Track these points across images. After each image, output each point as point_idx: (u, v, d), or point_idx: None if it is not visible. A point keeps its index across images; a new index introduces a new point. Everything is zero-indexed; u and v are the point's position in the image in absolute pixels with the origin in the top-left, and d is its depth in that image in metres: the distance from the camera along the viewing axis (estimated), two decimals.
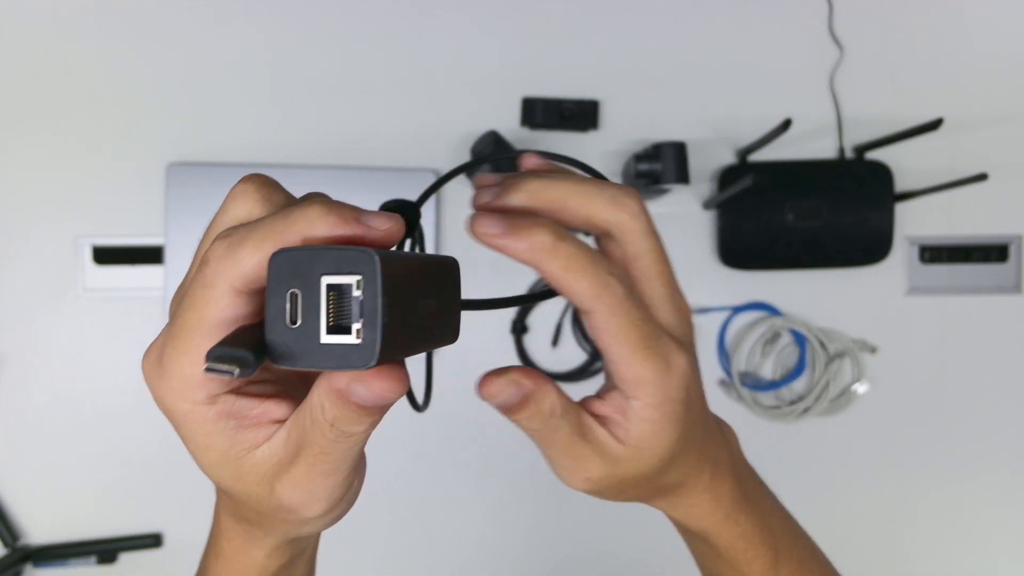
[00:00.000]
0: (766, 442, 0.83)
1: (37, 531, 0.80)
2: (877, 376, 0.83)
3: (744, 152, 0.80)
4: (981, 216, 0.84)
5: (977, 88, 0.84)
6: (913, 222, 0.83)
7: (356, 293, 0.20)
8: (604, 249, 0.28)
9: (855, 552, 0.83)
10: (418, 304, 0.22)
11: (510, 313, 0.82)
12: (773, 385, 0.84)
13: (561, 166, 0.30)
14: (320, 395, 0.22)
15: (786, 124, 0.67)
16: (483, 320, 0.82)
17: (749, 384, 0.83)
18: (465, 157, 0.80)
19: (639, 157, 0.77)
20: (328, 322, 0.20)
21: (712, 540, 0.33)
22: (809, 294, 0.83)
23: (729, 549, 0.34)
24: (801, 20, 0.84)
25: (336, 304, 0.20)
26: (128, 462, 0.80)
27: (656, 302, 0.27)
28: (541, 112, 0.81)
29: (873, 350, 0.83)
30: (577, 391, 0.85)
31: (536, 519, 0.82)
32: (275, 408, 0.24)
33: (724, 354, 0.84)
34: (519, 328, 0.82)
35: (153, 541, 0.79)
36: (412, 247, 0.35)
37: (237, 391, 0.23)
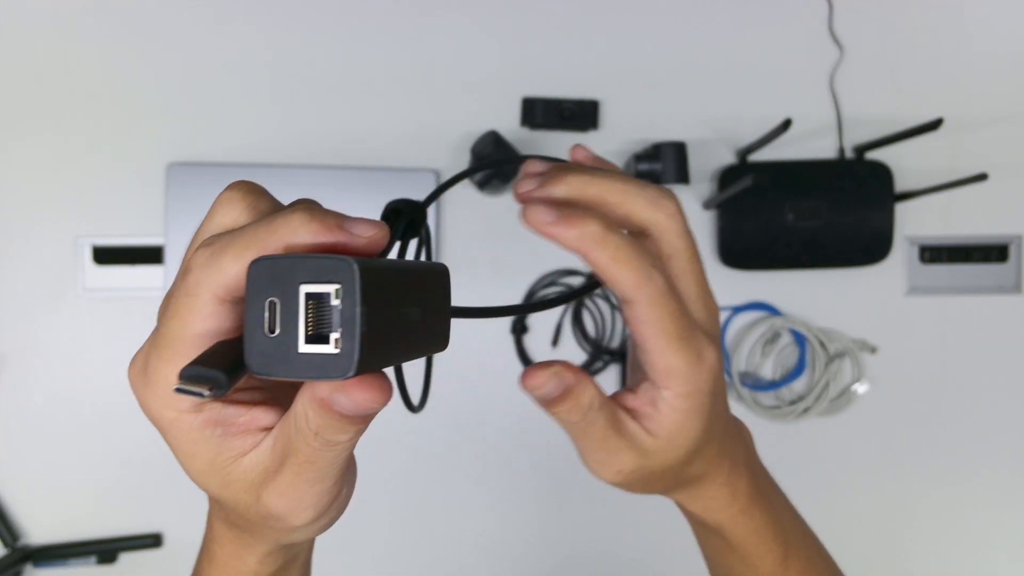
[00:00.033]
0: (766, 442, 0.82)
1: (37, 531, 0.80)
2: (877, 376, 0.83)
3: (744, 152, 0.80)
4: (981, 216, 0.84)
5: (977, 88, 0.84)
6: (913, 222, 0.83)
7: (335, 302, 0.19)
8: None
9: (855, 552, 0.83)
10: (402, 313, 0.22)
11: None
12: (773, 385, 0.84)
13: (608, 163, 0.31)
14: (303, 404, 0.22)
15: (786, 124, 0.67)
16: (483, 320, 0.82)
17: (749, 384, 0.83)
18: (465, 157, 0.80)
19: (639, 157, 0.77)
20: (307, 331, 0.20)
21: (726, 534, 0.34)
22: (809, 294, 0.83)
23: (743, 543, 0.34)
24: (801, 20, 0.84)
25: (315, 313, 0.20)
26: (128, 462, 0.80)
27: (689, 299, 0.28)
28: (541, 112, 0.81)
29: (873, 350, 0.83)
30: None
31: (536, 519, 0.82)
32: (262, 415, 0.24)
33: (724, 354, 0.84)
34: (519, 328, 0.82)
35: (153, 541, 0.79)
36: (418, 247, 0.34)
37: (224, 399, 0.23)
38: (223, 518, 0.28)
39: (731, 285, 0.83)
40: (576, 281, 0.82)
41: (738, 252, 0.81)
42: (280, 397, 0.25)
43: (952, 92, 0.84)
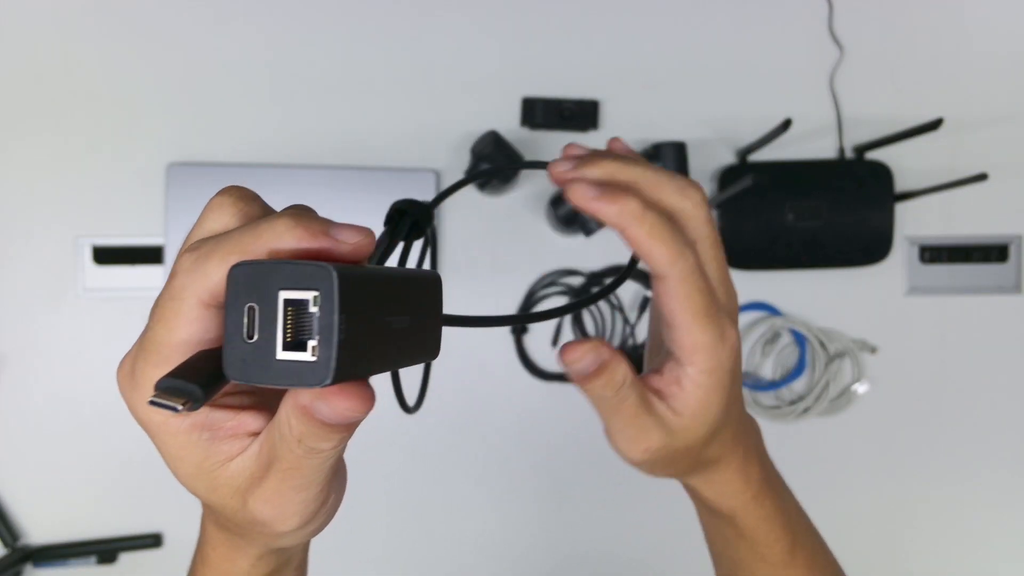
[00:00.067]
0: (766, 442, 0.83)
1: (37, 531, 0.80)
2: (877, 376, 0.83)
3: (744, 152, 0.80)
4: (981, 216, 0.84)
5: (977, 88, 0.84)
6: (913, 222, 0.83)
7: (313, 309, 0.19)
8: None
9: (855, 552, 0.83)
10: (387, 321, 0.21)
11: (510, 312, 0.82)
12: (773, 385, 0.84)
13: (640, 157, 0.32)
14: (286, 411, 0.21)
15: (786, 124, 0.67)
16: None
17: (749, 384, 0.83)
18: (465, 157, 0.80)
19: None
20: (285, 338, 0.20)
21: (738, 521, 0.35)
22: (809, 294, 0.83)
23: (753, 531, 0.35)
24: (801, 20, 0.84)
25: (294, 320, 0.20)
26: (128, 462, 0.80)
27: (713, 282, 0.29)
28: (541, 112, 0.81)
29: (873, 350, 0.83)
30: (578, 391, 0.85)
31: (536, 519, 0.82)
32: (250, 420, 0.24)
33: None
34: (519, 328, 0.82)
35: (153, 541, 0.79)
36: (423, 248, 0.34)
37: (212, 402, 0.23)
38: (214, 520, 0.28)
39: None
40: (576, 281, 0.82)
41: (738, 252, 0.81)
42: (269, 402, 0.25)
43: (952, 92, 0.84)
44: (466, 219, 0.81)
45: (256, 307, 0.20)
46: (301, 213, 0.22)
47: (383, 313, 0.21)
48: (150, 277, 0.80)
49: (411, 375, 0.33)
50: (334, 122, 0.81)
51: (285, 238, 0.21)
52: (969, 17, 0.84)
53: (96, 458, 0.80)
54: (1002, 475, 0.84)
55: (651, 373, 0.30)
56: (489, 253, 0.82)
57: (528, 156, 0.80)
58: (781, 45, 0.84)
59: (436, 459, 0.82)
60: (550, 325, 0.82)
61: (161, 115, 0.80)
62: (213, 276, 0.21)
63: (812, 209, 0.80)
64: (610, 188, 0.27)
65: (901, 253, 0.83)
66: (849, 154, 0.83)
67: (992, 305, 0.84)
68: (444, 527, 0.82)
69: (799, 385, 0.84)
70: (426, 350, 0.24)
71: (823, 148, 0.84)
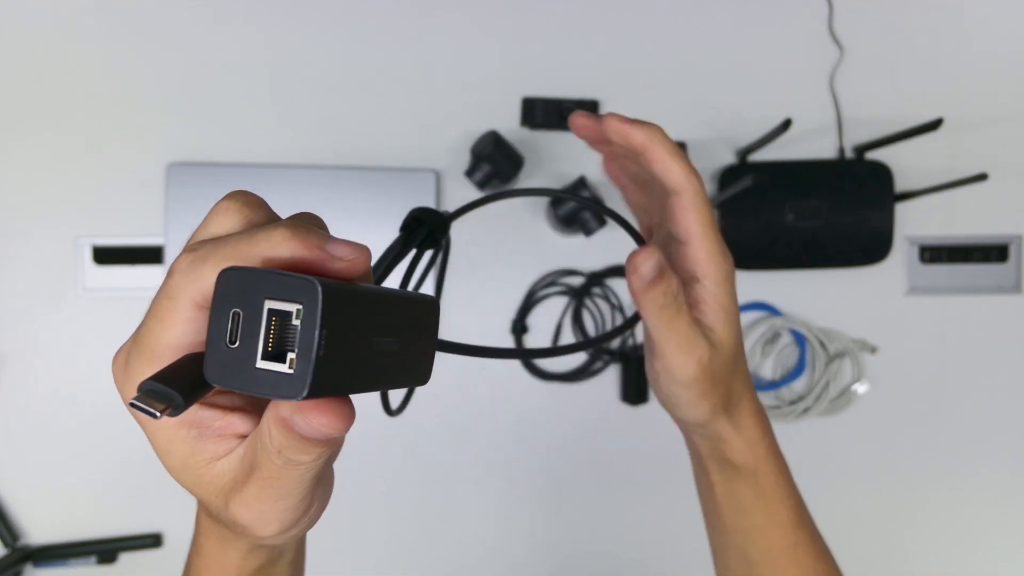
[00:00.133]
0: None
1: (37, 531, 0.80)
2: (877, 376, 0.83)
3: (744, 152, 0.80)
4: (981, 216, 0.84)
5: (977, 88, 0.84)
6: (913, 222, 0.83)
7: (296, 322, 0.19)
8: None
9: (855, 552, 0.83)
10: (373, 342, 0.21)
11: (510, 312, 0.82)
12: (773, 385, 0.84)
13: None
14: (268, 420, 0.21)
15: (786, 124, 0.67)
16: (483, 319, 0.82)
17: None
18: (465, 157, 0.80)
19: None
20: (266, 347, 0.20)
21: (760, 476, 0.38)
22: (809, 294, 0.83)
23: (771, 488, 0.38)
24: (801, 20, 0.84)
25: (278, 330, 0.20)
26: (128, 462, 0.80)
27: None
28: (541, 112, 0.81)
29: (873, 350, 0.83)
30: (578, 391, 0.86)
31: (536, 519, 0.82)
32: (238, 422, 0.24)
33: None
34: (519, 328, 0.82)
35: (153, 541, 0.79)
36: (432, 259, 0.34)
37: (202, 401, 0.23)
38: (206, 512, 0.28)
39: None
40: (576, 281, 0.82)
41: (738, 252, 0.80)
42: (259, 407, 0.25)
43: (952, 92, 0.84)
44: (466, 219, 0.80)
45: (241, 313, 0.20)
46: (300, 224, 0.22)
47: (370, 333, 0.21)
48: (150, 277, 0.80)
49: None
50: (334, 122, 0.81)
51: (280, 248, 0.21)
52: (969, 17, 0.84)
53: (96, 458, 0.80)
54: (1002, 475, 0.84)
55: None
56: (489, 253, 0.82)
57: (528, 156, 0.80)
58: (781, 45, 0.84)
59: (436, 459, 0.82)
60: (550, 325, 0.82)
61: (161, 115, 0.80)
62: (207, 279, 0.21)
63: (812, 209, 0.80)
64: (638, 119, 0.34)
65: (901, 253, 0.83)
66: (849, 154, 0.83)
67: (992, 305, 0.84)
68: (444, 527, 0.82)
69: (799, 385, 0.84)
70: (414, 375, 0.24)
71: (823, 148, 0.84)
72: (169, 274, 0.22)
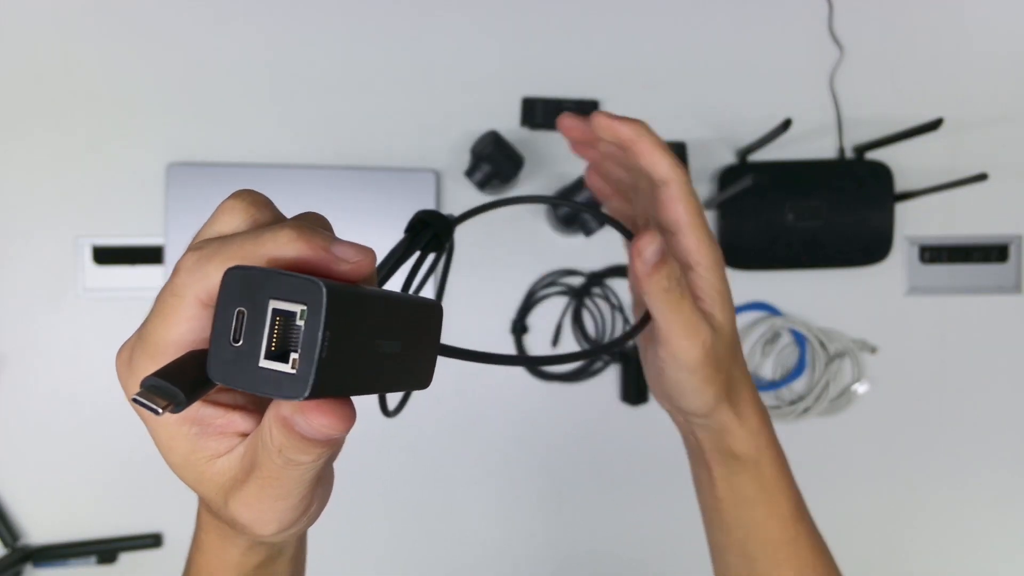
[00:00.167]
0: None
1: (37, 531, 0.80)
2: (877, 376, 0.83)
3: (744, 152, 0.80)
4: (981, 216, 0.84)
5: (977, 88, 0.84)
6: (913, 222, 0.83)
7: (300, 323, 0.19)
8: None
9: (855, 552, 0.83)
10: (375, 344, 0.21)
11: (510, 313, 0.82)
12: (773, 385, 0.84)
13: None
14: (269, 420, 0.22)
15: (786, 124, 0.67)
16: (483, 319, 0.82)
17: None
18: (465, 157, 0.80)
19: None
20: (269, 346, 0.20)
21: (762, 466, 0.38)
22: (809, 294, 0.83)
23: (772, 479, 0.38)
24: (801, 20, 0.84)
25: (282, 330, 0.20)
26: (128, 462, 0.80)
27: None
28: (541, 112, 0.81)
29: (873, 350, 0.83)
30: (578, 391, 0.85)
31: (536, 519, 0.82)
32: (240, 421, 0.24)
33: None
34: (519, 328, 0.82)
35: (153, 541, 0.79)
36: (435, 261, 0.34)
37: (205, 398, 0.23)
38: (206, 508, 0.28)
39: (731, 285, 0.83)
40: (576, 281, 0.82)
41: (738, 252, 0.81)
42: (261, 406, 0.25)
43: (952, 92, 0.84)
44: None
45: (246, 312, 0.20)
46: (306, 225, 0.22)
47: (373, 336, 0.21)
48: (150, 277, 0.80)
49: None
50: (334, 122, 0.81)
51: (286, 248, 0.21)
52: (969, 17, 0.84)
53: (96, 458, 0.80)
54: (1002, 475, 0.84)
55: None
56: (489, 253, 0.82)
57: (528, 156, 0.80)
58: (781, 45, 0.84)
59: (436, 459, 0.82)
60: (550, 325, 0.82)
61: (161, 115, 0.80)
62: (213, 277, 0.21)
63: (812, 209, 0.80)
64: (624, 116, 0.35)
65: (901, 253, 0.83)
66: (849, 154, 0.83)
67: (992, 305, 0.84)
68: (444, 527, 0.82)
69: (799, 385, 0.84)
70: (416, 379, 0.24)
71: (823, 148, 0.84)
72: (175, 272, 0.22)
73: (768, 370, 0.84)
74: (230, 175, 0.79)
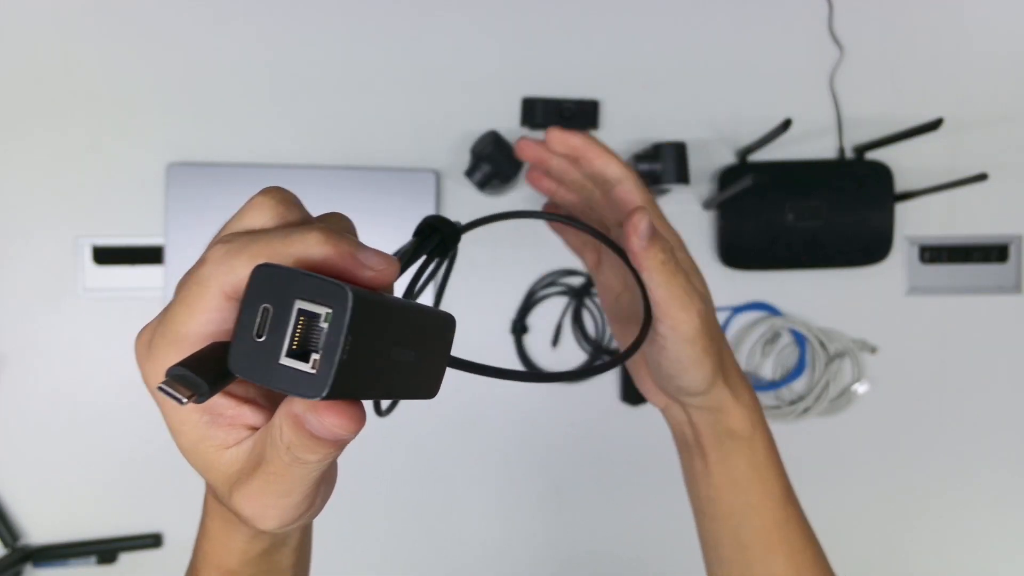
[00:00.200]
0: None
1: (37, 531, 0.80)
2: (877, 376, 0.83)
3: (744, 152, 0.80)
4: (981, 216, 0.84)
5: (977, 88, 0.84)
6: (913, 222, 0.83)
7: (323, 324, 0.20)
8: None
9: (855, 552, 0.83)
10: (391, 352, 0.22)
11: (510, 313, 0.82)
12: (773, 385, 0.84)
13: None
14: (280, 417, 0.22)
15: (786, 124, 0.67)
16: (483, 319, 0.82)
17: None
18: (465, 157, 0.80)
19: (639, 157, 0.77)
20: (291, 345, 0.20)
21: (756, 442, 0.40)
22: (809, 294, 0.83)
23: (765, 457, 0.40)
24: (801, 20, 0.84)
25: (304, 330, 0.20)
26: (128, 462, 0.80)
27: None
28: (541, 112, 0.81)
29: (873, 350, 0.83)
30: (578, 391, 0.86)
31: (536, 519, 0.82)
32: (250, 414, 0.24)
33: None
34: (519, 328, 0.82)
35: (153, 541, 0.79)
36: (436, 266, 0.35)
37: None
38: (213, 495, 0.29)
39: (731, 285, 0.83)
40: (576, 281, 0.82)
41: (738, 252, 0.81)
42: (273, 402, 0.25)
43: (952, 92, 0.84)
44: (466, 218, 0.81)
45: (271, 309, 0.20)
46: (333, 229, 0.22)
47: (389, 343, 0.22)
48: (150, 277, 0.80)
49: None
50: (334, 122, 0.81)
51: (313, 250, 0.21)
52: (969, 17, 0.84)
53: (96, 458, 0.80)
54: (1002, 475, 0.84)
55: None
56: (489, 253, 0.82)
57: None
58: (781, 45, 0.84)
59: (436, 459, 0.82)
60: (550, 325, 0.82)
61: (161, 115, 0.80)
62: (239, 272, 0.22)
63: (812, 209, 0.80)
64: (573, 130, 0.42)
65: (901, 253, 0.83)
66: (849, 154, 0.83)
67: (992, 305, 0.84)
68: (444, 527, 0.82)
69: (799, 385, 0.84)
70: (424, 388, 0.25)
71: (823, 148, 0.84)
72: (201, 262, 0.22)
73: (768, 370, 0.84)
74: (230, 175, 0.79)
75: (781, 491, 0.41)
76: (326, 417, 0.21)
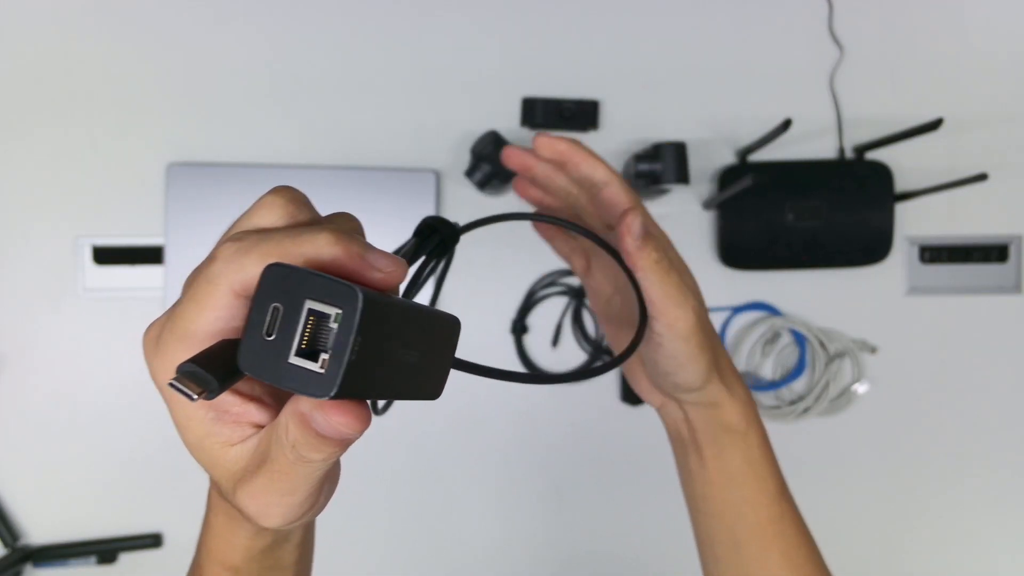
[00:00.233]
0: None
1: (37, 531, 0.80)
2: (877, 376, 0.83)
3: (744, 152, 0.80)
4: (981, 216, 0.84)
5: (977, 88, 0.84)
6: (913, 222, 0.83)
7: (333, 325, 0.20)
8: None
9: (855, 552, 0.83)
10: (398, 353, 0.22)
11: (510, 312, 0.82)
12: (773, 385, 0.84)
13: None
14: (287, 415, 0.22)
15: (786, 124, 0.67)
16: (483, 319, 0.82)
17: (749, 384, 0.83)
18: (465, 157, 0.80)
19: (639, 157, 0.77)
20: (300, 344, 0.20)
21: (750, 437, 0.41)
22: (809, 294, 0.83)
23: (759, 450, 0.41)
24: (801, 20, 0.84)
25: (314, 330, 0.20)
26: (128, 462, 0.80)
27: None
28: (541, 112, 0.81)
29: (873, 350, 0.83)
30: (578, 391, 0.85)
31: (536, 519, 0.82)
32: (256, 412, 0.24)
33: None
34: (519, 328, 0.82)
35: (153, 541, 0.79)
36: (434, 267, 0.35)
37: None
38: (217, 490, 0.29)
39: (731, 285, 0.83)
40: (576, 281, 0.82)
41: (738, 252, 0.81)
42: (279, 401, 0.25)
43: (952, 92, 0.84)
44: (466, 218, 0.81)
45: (281, 308, 0.21)
46: (343, 230, 0.23)
47: (396, 344, 0.22)
48: (150, 277, 0.80)
49: None
50: (334, 122, 0.81)
51: (323, 251, 0.22)
52: (969, 17, 0.84)
53: (96, 458, 0.80)
54: (1002, 475, 0.84)
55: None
56: (489, 253, 0.82)
57: None
58: (781, 45, 0.84)
59: (436, 459, 0.82)
60: (550, 326, 0.82)
61: (161, 115, 0.80)
62: (249, 270, 0.22)
63: (812, 209, 0.80)
64: (560, 135, 0.42)
65: (901, 253, 0.83)
66: (849, 154, 0.83)
67: (992, 305, 0.84)
68: (444, 527, 0.82)
69: (799, 385, 0.84)
70: (427, 390, 0.25)
71: (823, 148, 0.84)
72: (211, 259, 0.23)
73: (768, 370, 0.84)
74: (230, 175, 0.79)
75: (775, 487, 0.41)
76: (333, 416, 0.21)
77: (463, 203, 0.82)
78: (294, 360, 0.20)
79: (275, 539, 0.30)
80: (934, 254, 0.84)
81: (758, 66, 0.84)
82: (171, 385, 0.21)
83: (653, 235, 0.36)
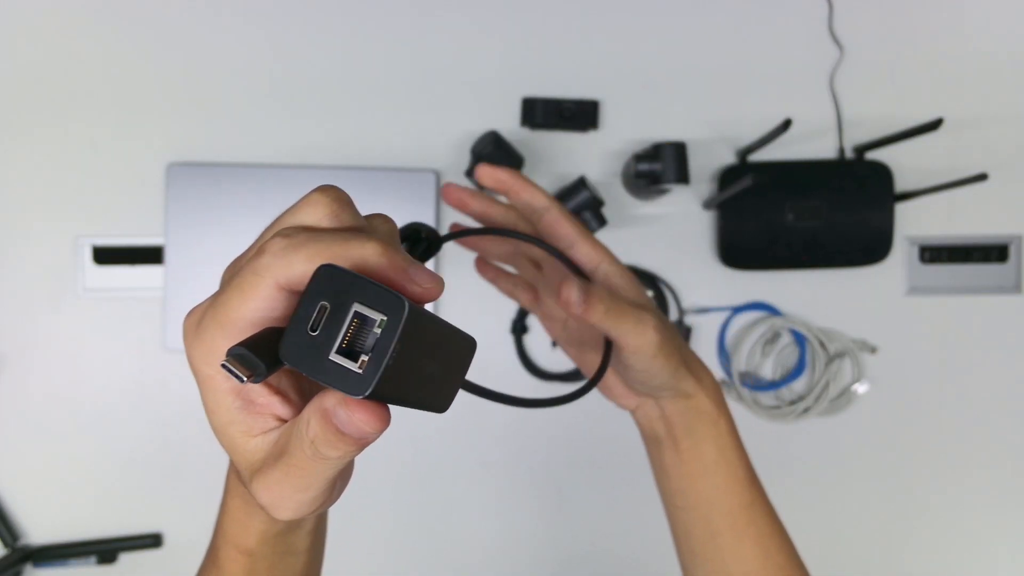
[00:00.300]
0: (766, 442, 0.83)
1: (37, 531, 0.80)
2: (877, 376, 0.83)
3: (744, 152, 0.80)
4: (981, 216, 0.84)
5: (977, 88, 0.84)
6: (913, 222, 0.83)
7: (376, 330, 0.21)
8: None
9: (855, 552, 0.83)
10: (424, 364, 0.23)
11: (510, 313, 0.82)
12: (773, 385, 0.84)
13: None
14: (310, 411, 0.23)
15: (786, 124, 0.67)
16: (483, 319, 0.82)
17: (749, 384, 0.83)
18: (465, 157, 0.80)
19: (639, 157, 0.77)
20: (342, 343, 0.22)
21: (721, 425, 0.42)
22: (809, 294, 0.83)
23: (729, 439, 0.43)
24: (801, 20, 0.84)
25: (356, 331, 0.22)
26: (128, 462, 0.80)
27: None
28: (541, 112, 0.81)
29: (873, 350, 0.83)
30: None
31: (536, 519, 0.82)
32: (280, 406, 0.25)
33: (724, 354, 0.84)
34: (519, 328, 0.82)
35: (153, 541, 0.79)
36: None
37: None
38: (236, 474, 0.30)
39: (731, 285, 0.83)
40: None
41: (738, 252, 0.81)
42: (304, 398, 0.26)
43: (952, 92, 0.84)
44: (466, 218, 0.81)
45: (328, 307, 0.22)
46: (388, 242, 0.24)
47: (424, 356, 0.23)
48: (150, 277, 0.80)
49: None
50: (334, 122, 0.81)
51: (370, 260, 0.23)
52: (969, 17, 0.84)
53: (96, 458, 0.80)
54: (1002, 475, 0.84)
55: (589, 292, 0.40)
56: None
57: (528, 156, 0.80)
58: (781, 45, 0.84)
59: (436, 459, 0.82)
60: None
61: (161, 115, 0.80)
62: (296, 268, 0.23)
63: (812, 209, 0.80)
64: (500, 167, 0.44)
65: (901, 253, 0.83)
66: (849, 154, 0.83)
67: (992, 305, 0.84)
68: (445, 527, 0.82)
69: (799, 385, 0.84)
70: (437, 402, 0.26)
71: (823, 148, 0.84)
72: (260, 252, 0.23)
73: (768, 370, 0.84)
74: (230, 175, 0.79)
75: (745, 474, 0.43)
76: (356, 413, 0.22)
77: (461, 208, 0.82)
78: (334, 357, 0.21)
79: (289, 525, 0.31)
80: (934, 254, 0.84)
81: (758, 66, 0.84)
82: (223, 366, 0.22)
83: (592, 288, 0.38)
